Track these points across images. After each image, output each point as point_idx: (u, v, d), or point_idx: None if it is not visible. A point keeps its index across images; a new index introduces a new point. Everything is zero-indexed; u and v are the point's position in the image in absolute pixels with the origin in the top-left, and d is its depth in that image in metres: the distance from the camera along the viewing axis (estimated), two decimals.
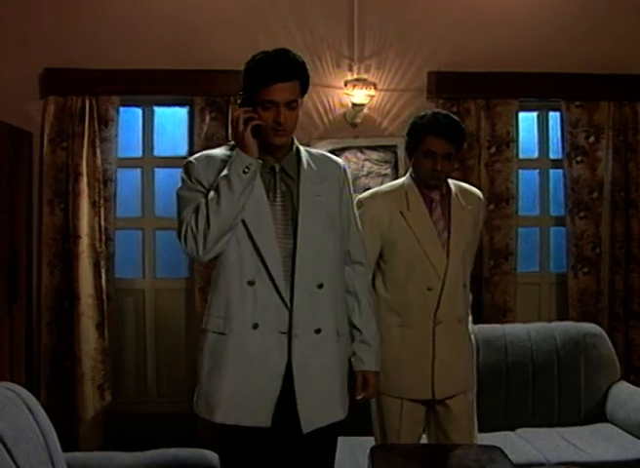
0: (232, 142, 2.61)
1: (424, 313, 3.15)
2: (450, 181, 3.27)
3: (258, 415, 2.53)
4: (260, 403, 2.53)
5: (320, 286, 2.56)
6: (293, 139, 2.62)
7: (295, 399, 2.54)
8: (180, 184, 2.56)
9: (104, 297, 4.94)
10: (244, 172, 2.43)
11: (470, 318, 3.32)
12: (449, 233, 3.18)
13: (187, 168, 2.55)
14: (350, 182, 2.73)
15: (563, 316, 5.27)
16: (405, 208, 3.15)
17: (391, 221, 3.16)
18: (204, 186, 2.52)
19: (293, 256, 2.51)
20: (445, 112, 3.20)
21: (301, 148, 2.65)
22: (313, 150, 2.71)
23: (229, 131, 4.67)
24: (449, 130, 3.08)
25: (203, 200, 2.46)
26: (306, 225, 2.54)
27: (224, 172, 2.47)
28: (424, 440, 3.39)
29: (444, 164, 3.11)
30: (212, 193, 2.44)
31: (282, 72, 2.44)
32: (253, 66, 2.47)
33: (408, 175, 3.24)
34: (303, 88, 2.55)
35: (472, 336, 3.31)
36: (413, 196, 3.17)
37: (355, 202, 2.85)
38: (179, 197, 2.55)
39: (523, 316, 5.17)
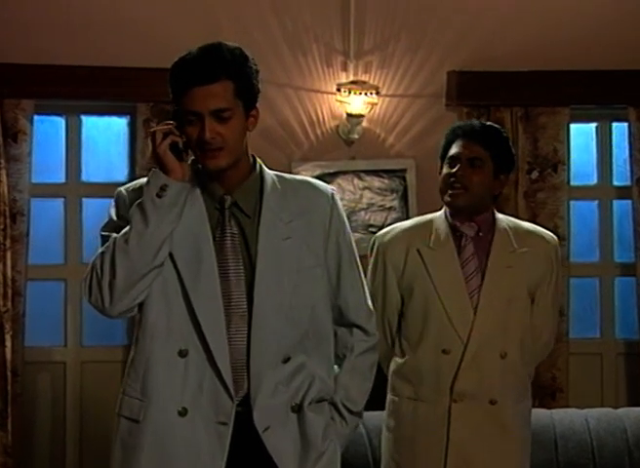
0: None
1: (437, 383, 3.05)
2: (502, 216, 3.19)
3: None
4: None
5: (286, 360, 2.44)
6: (255, 162, 2.50)
7: None
8: (105, 220, 2.51)
9: (9, 374, 4.68)
10: (158, 195, 2.36)
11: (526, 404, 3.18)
12: (482, 280, 3.06)
13: (116, 200, 2.52)
14: (343, 215, 2.60)
15: (635, 399, 5.02)
16: (425, 244, 3.11)
17: (407, 262, 3.12)
18: None
19: (249, 320, 2.42)
20: (486, 122, 3.32)
21: (269, 173, 2.53)
22: (290, 176, 2.63)
23: None
24: (479, 130, 3.06)
25: (113, 235, 2.42)
26: (267, 280, 2.46)
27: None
28: None
29: (467, 170, 3.00)
30: (126, 228, 2.43)
31: (199, 73, 2.36)
32: (170, 71, 2.44)
33: (443, 208, 3.23)
34: (243, 91, 2.39)
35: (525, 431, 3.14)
36: (439, 230, 3.13)
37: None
38: (101, 238, 2.49)
39: (579, 398, 4.87)
